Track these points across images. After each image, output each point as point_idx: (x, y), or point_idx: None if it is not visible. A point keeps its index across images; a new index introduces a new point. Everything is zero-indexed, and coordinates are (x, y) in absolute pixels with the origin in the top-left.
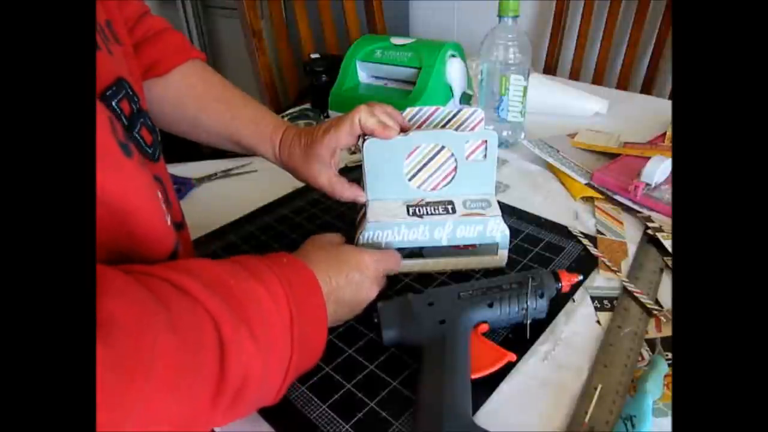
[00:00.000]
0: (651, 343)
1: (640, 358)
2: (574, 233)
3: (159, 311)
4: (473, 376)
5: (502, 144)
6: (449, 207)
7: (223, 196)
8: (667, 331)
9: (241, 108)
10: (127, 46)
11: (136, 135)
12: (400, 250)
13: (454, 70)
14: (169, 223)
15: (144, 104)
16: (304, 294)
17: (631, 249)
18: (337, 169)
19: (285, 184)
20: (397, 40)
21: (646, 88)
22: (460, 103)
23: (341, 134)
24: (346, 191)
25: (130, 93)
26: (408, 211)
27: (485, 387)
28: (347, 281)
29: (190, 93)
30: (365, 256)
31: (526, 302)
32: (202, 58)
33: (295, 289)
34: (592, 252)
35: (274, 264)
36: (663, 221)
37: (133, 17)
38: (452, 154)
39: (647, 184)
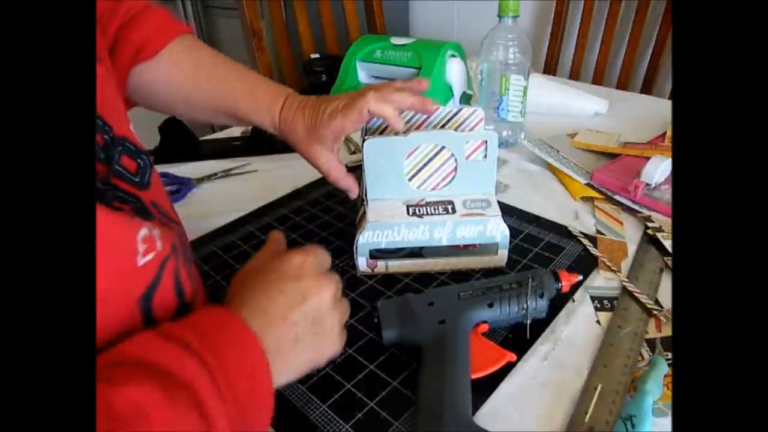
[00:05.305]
0: (651, 343)
1: (640, 358)
2: (574, 233)
3: None
4: (473, 376)
5: (502, 144)
6: (449, 207)
7: (223, 196)
8: (667, 331)
9: (233, 80)
10: (106, 62)
11: (117, 167)
12: (400, 250)
13: (454, 70)
14: (141, 263)
15: (119, 130)
16: (255, 421)
17: (631, 249)
18: (338, 152)
19: (285, 184)
20: (397, 40)
21: (646, 88)
22: (460, 103)
23: (347, 122)
24: (341, 179)
25: (101, 124)
26: (408, 211)
27: (485, 387)
28: (284, 297)
29: (181, 72)
30: (288, 258)
31: (526, 302)
32: (189, 32)
33: (246, 420)
34: (592, 252)
35: (230, 389)
36: (663, 221)
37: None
38: (452, 154)
39: (647, 184)
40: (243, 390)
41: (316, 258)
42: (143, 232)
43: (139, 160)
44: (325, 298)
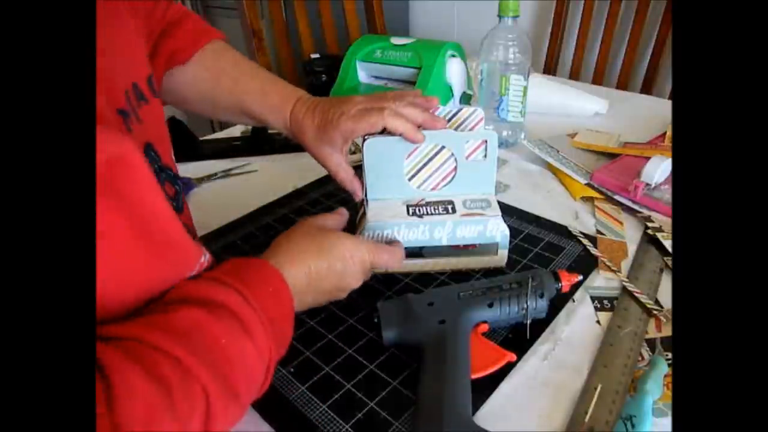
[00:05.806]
0: (651, 343)
1: (640, 358)
2: (574, 233)
3: (164, 404)
4: (473, 376)
5: (502, 144)
6: (449, 207)
7: (223, 196)
8: (667, 331)
9: (249, 81)
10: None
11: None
12: None
13: (454, 70)
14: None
15: (164, 159)
16: (282, 327)
17: (631, 249)
18: (347, 155)
19: (285, 184)
20: (397, 40)
21: (646, 88)
22: (460, 103)
23: (358, 128)
24: (348, 182)
25: (153, 154)
26: (408, 210)
27: (485, 387)
28: (329, 271)
29: (205, 75)
30: (353, 247)
31: (526, 302)
32: (221, 37)
33: (275, 327)
34: (592, 252)
35: (257, 301)
36: (663, 221)
37: (159, 10)
38: (452, 154)
39: (647, 184)
40: (269, 303)
41: (375, 261)
42: (202, 258)
43: (176, 186)
44: (353, 287)
